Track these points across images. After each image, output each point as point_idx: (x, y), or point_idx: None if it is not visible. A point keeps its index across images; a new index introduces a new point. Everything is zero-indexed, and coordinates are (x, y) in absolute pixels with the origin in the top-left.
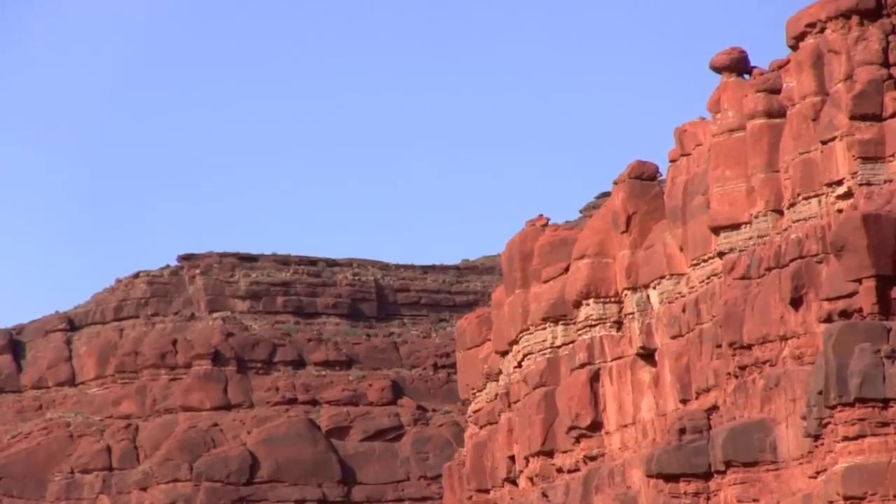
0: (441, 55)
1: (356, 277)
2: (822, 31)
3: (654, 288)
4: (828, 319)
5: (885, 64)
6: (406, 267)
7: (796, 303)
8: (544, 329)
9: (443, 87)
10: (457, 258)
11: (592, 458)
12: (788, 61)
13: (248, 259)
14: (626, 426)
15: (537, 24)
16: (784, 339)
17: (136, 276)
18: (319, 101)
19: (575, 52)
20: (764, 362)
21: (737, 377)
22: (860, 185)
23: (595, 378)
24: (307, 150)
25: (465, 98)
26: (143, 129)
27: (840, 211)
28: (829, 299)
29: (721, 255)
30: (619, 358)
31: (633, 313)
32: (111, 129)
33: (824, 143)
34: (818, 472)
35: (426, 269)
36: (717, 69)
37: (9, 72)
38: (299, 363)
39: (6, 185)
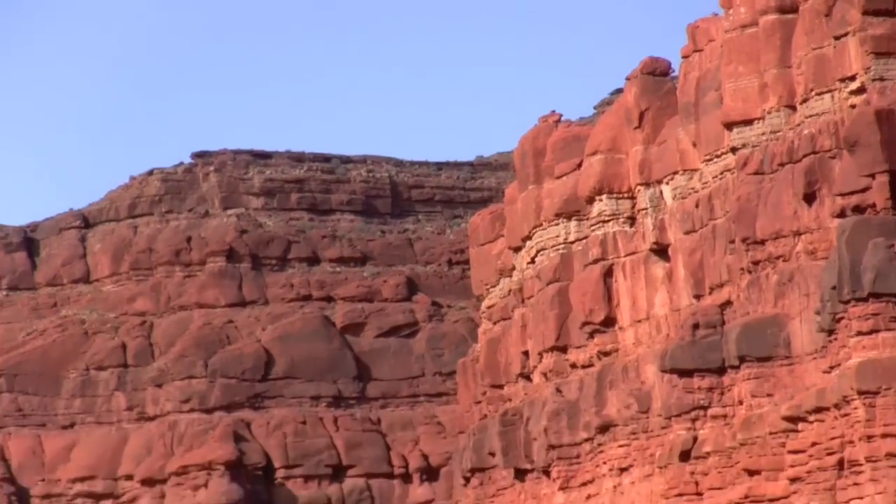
0: None
1: (370, 174)
2: None
3: (667, 184)
4: (841, 214)
5: None
6: (420, 164)
7: (809, 198)
8: (557, 225)
9: None
10: (471, 154)
11: (606, 354)
12: None
13: (262, 156)
14: (639, 322)
15: None
16: (797, 234)
17: (150, 173)
18: None
19: None
20: (777, 257)
21: (750, 272)
22: (873, 80)
23: (608, 274)
24: (320, 47)
25: None
26: (156, 25)
27: (853, 106)
28: (842, 194)
29: (734, 150)
30: (633, 254)
31: (646, 209)
32: (124, 25)
33: (837, 38)
34: (832, 367)
35: (440, 166)
36: None
37: None
38: (314, 260)
39: (19, 82)
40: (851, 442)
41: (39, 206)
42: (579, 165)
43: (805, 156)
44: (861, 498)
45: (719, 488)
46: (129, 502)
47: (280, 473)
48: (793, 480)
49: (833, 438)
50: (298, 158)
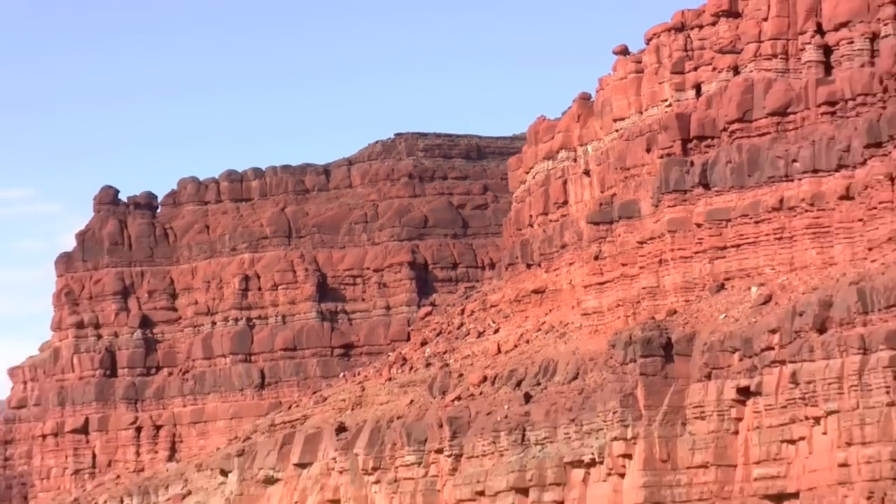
0: None
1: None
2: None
3: (589, 145)
4: (661, 157)
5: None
6: (498, 137)
7: (649, 149)
8: (544, 162)
9: None
10: (512, 131)
11: (565, 215)
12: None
13: (421, 135)
14: (577, 203)
15: None
16: (643, 165)
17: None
18: None
19: None
20: (636, 177)
21: (623, 182)
22: (676, 101)
23: (565, 183)
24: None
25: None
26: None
27: (667, 113)
28: (662, 148)
29: (617, 131)
30: (575, 174)
31: (581, 156)
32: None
33: (660, 83)
34: (657, 220)
35: (504, 138)
36: (615, 53)
37: None
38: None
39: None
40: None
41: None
42: (552, 137)
43: (645, 134)
44: None
45: None
46: None
47: None
48: None
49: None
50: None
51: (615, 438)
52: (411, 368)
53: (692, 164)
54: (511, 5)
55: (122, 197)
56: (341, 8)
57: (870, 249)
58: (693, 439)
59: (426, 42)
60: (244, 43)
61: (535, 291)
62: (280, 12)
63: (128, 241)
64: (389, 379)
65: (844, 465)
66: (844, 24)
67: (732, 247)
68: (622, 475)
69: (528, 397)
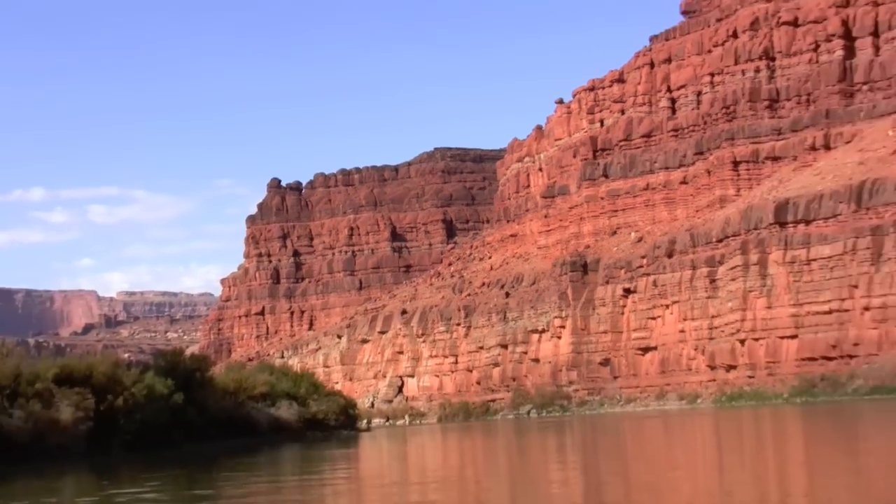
0: None
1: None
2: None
3: (542, 154)
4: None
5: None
6: (488, 150)
7: (584, 162)
8: (519, 163)
9: None
10: (500, 144)
11: (528, 186)
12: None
13: (447, 149)
14: (539, 191)
15: None
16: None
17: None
18: None
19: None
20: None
21: (590, 161)
22: (591, 128)
23: (529, 174)
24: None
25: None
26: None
27: (587, 135)
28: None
29: (558, 147)
30: (533, 168)
31: (539, 159)
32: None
33: (588, 120)
34: None
35: (495, 150)
36: (556, 102)
37: None
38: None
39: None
40: None
41: None
42: (522, 149)
43: (572, 147)
44: None
45: None
46: None
47: None
48: None
49: None
50: (454, 153)
51: (556, 317)
52: (442, 278)
53: (598, 164)
54: (498, 72)
55: (283, 183)
56: (414, 74)
57: (697, 212)
58: (599, 317)
59: (452, 89)
60: (352, 89)
61: (512, 236)
62: (376, 81)
63: (286, 209)
64: (431, 284)
65: (682, 331)
66: (682, 87)
67: (621, 210)
68: (559, 337)
69: (507, 294)
